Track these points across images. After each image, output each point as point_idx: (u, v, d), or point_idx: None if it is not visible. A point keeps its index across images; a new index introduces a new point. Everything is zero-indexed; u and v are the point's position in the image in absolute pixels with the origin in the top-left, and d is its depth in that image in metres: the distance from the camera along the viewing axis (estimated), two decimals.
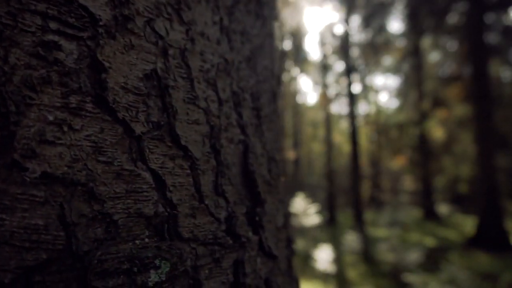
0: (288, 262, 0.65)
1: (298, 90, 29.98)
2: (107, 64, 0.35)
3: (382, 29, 16.85)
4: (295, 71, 26.14)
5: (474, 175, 12.93)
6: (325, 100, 15.06)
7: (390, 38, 18.28)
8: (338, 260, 9.75)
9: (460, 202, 19.09)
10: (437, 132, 21.00)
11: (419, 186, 19.28)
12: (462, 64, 14.25)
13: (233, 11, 0.51)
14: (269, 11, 0.68)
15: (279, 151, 0.67)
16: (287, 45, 21.20)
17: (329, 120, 15.54)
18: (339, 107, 25.54)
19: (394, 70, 19.92)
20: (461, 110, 15.84)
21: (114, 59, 0.35)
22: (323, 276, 8.14)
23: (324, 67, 16.20)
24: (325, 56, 15.57)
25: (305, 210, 10.40)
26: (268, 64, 0.65)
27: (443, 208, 18.05)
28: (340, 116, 25.29)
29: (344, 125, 25.12)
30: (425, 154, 16.75)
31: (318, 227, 14.53)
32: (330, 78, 32.03)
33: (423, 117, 15.45)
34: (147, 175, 0.35)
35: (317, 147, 26.07)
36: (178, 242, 0.35)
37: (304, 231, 10.89)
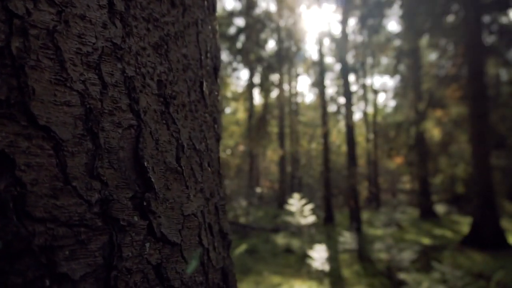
0: (216, 251, 0.65)
1: (296, 90, 30.01)
2: None
3: (378, 29, 16.86)
4: (293, 71, 26.17)
5: (470, 175, 12.94)
6: (322, 100, 15.06)
7: (387, 38, 18.30)
8: (334, 259, 9.77)
9: (457, 202, 19.10)
10: (434, 132, 21.00)
11: (416, 186, 19.28)
12: (459, 64, 14.25)
13: None
14: (193, 0, 0.67)
15: (205, 141, 0.67)
16: (285, 45, 21.25)
17: (326, 120, 15.55)
18: (337, 107, 25.57)
19: (392, 70, 19.93)
20: (458, 110, 15.85)
21: None
22: (318, 275, 8.16)
23: (322, 67, 16.21)
24: (322, 56, 15.57)
25: (301, 210, 10.44)
26: (191, 53, 0.65)
27: (440, 208, 18.07)
28: (338, 116, 25.32)
29: (342, 125, 25.13)
30: (422, 154, 16.76)
31: (315, 226, 14.58)
32: (328, 78, 32.04)
33: (421, 117, 15.46)
34: None
35: (316, 147, 26.09)
36: (27, 221, 0.35)
37: (300, 230, 10.91)
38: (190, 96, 0.62)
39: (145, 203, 0.47)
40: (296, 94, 29.64)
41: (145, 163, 0.48)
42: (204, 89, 0.66)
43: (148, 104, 0.52)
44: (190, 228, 0.56)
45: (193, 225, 0.57)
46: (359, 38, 20.86)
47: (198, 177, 0.61)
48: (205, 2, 0.74)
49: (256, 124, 19.81)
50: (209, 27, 0.73)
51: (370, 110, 26.88)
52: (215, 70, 0.76)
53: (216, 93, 0.77)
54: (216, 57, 0.77)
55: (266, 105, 21.11)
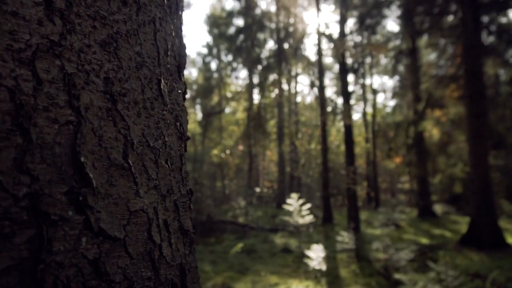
0: (173, 248, 0.65)
1: (296, 90, 30.01)
2: None
3: (377, 29, 16.84)
4: (292, 71, 26.17)
5: (468, 174, 12.94)
6: (321, 100, 15.06)
7: (385, 38, 18.30)
8: (331, 258, 9.78)
9: (456, 201, 19.10)
10: (433, 131, 20.99)
11: (415, 186, 19.29)
12: (457, 64, 14.25)
13: None
14: None
15: (163, 138, 0.67)
16: (284, 45, 21.24)
17: (324, 120, 15.55)
18: (336, 107, 25.53)
19: (390, 70, 19.93)
20: (456, 110, 15.84)
21: None
22: (315, 275, 8.17)
23: (320, 67, 16.21)
24: (321, 56, 15.57)
25: (299, 209, 10.45)
26: (147, 51, 0.65)
27: (439, 208, 18.08)
28: (337, 116, 25.31)
29: (341, 124, 25.10)
30: (421, 154, 16.76)
31: (314, 226, 14.60)
32: (327, 78, 32.02)
33: (419, 117, 15.46)
34: None
35: (314, 147, 26.10)
36: None
37: (298, 230, 10.91)
38: (144, 94, 0.62)
39: (81, 198, 0.47)
40: (295, 94, 29.65)
41: (82, 159, 0.49)
42: (162, 86, 0.67)
43: (91, 101, 0.53)
44: (137, 223, 0.56)
45: (142, 221, 0.57)
46: (358, 38, 20.87)
47: (152, 173, 0.62)
48: (165, 1, 0.74)
49: (252, 123, 19.86)
50: (171, 25, 0.73)
51: (369, 110, 26.90)
52: (179, 68, 0.77)
53: (180, 91, 0.77)
54: (180, 56, 0.78)
55: (260, 104, 21.13)
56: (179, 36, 0.77)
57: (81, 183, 0.48)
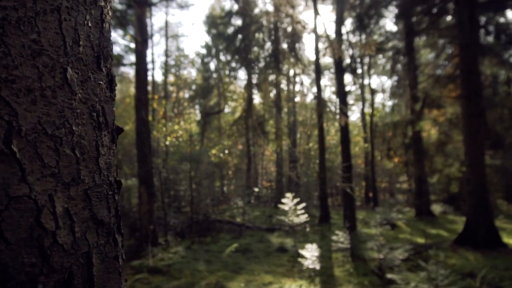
0: (75, 236, 0.66)
1: (294, 90, 30.01)
2: None
3: (374, 28, 16.84)
4: (291, 71, 26.17)
5: (464, 174, 12.92)
6: (319, 99, 15.06)
7: (383, 38, 18.27)
8: (326, 258, 9.78)
9: (454, 201, 19.08)
10: (430, 131, 20.96)
11: (413, 186, 19.26)
12: (455, 63, 14.22)
13: None
14: None
15: (70, 127, 0.68)
16: (283, 45, 21.24)
17: (322, 119, 15.54)
18: (334, 107, 25.51)
19: (389, 70, 19.90)
20: (454, 109, 15.82)
21: None
22: (309, 274, 8.17)
23: (318, 67, 16.21)
24: (319, 56, 15.57)
25: (294, 209, 10.45)
26: (48, 40, 0.65)
27: (436, 207, 18.06)
28: (336, 116, 25.26)
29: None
30: (418, 153, 16.75)
31: (311, 225, 14.60)
32: (327, 78, 31.96)
33: (417, 117, 15.45)
34: None
35: (312, 146, 26.09)
36: None
37: (293, 229, 10.91)
38: (43, 82, 0.63)
39: None
40: (294, 93, 29.65)
41: None
42: (68, 76, 0.67)
43: None
44: (19, 209, 0.57)
45: (26, 207, 0.58)
46: (357, 38, 20.86)
47: (49, 161, 0.62)
48: None
49: (241, 120, 19.87)
50: (86, 16, 0.74)
51: (368, 110, 26.86)
52: (98, 59, 0.77)
53: (100, 82, 0.78)
54: (101, 47, 0.78)
55: (250, 102, 21.12)
56: (100, 27, 0.78)
57: None
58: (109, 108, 0.80)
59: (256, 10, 20.93)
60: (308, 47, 63.55)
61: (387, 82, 33.03)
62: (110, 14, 0.84)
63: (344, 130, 12.40)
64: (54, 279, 0.60)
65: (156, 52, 71.44)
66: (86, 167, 0.70)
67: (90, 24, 0.75)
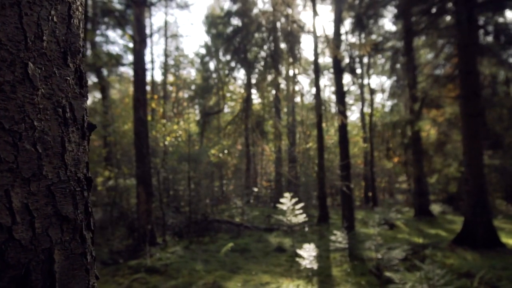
0: (36, 232, 0.65)
1: (293, 90, 29.98)
2: None
3: (373, 28, 16.82)
4: (290, 71, 26.14)
5: (463, 174, 12.90)
6: (317, 99, 15.05)
7: (382, 38, 18.24)
8: (324, 258, 9.77)
9: (453, 201, 19.06)
10: (429, 131, 20.94)
11: (412, 186, 19.23)
12: (454, 63, 14.20)
13: None
14: None
15: (31, 122, 0.67)
16: (282, 45, 21.22)
17: (320, 119, 15.54)
18: (334, 107, 25.49)
19: (388, 70, 19.88)
20: (453, 109, 15.81)
21: None
22: (307, 274, 8.17)
23: (317, 67, 16.20)
24: (317, 56, 15.56)
25: (292, 209, 10.43)
26: (7, 34, 0.65)
27: (435, 207, 18.03)
28: (335, 116, 25.24)
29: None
30: (417, 153, 16.73)
31: (309, 225, 14.58)
32: (326, 78, 31.94)
33: (415, 117, 15.43)
34: None
35: (311, 146, 26.06)
36: None
37: (291, 229, 10.90)
38: (0, 76, 0.62)
39: None
40: (293, 93, 29.61)
41: None
42: (29, 71, 0.67)
43: None
44: None
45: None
46: (356, 38, 20.85)
47: (7, 156, 0.62)
48: None
49: (238, 119, 19.82)
50: (50, 11, 0.73)
51: (368, 110, 26.84)
52: (65, 55, 0.77)
53: (67, 77, 0.77)
54: (68, 42, 0.78)
55: (248, 99, 21.10)
56: (67, 23, 0.77)
57: None
58: (78, 104, 0.80)
59: (255, 10, 20.92)
60: (307, 47, 63.61)
61: (387, 82, 32.99)
62: (80, 10, 0.83)
63: (343, 130, 12.39)
64: (9, 275, 0.59)
65: (155, 52, 71.46)
66: (50, 163, 0.70)
67: (55, 20, 0.74)
